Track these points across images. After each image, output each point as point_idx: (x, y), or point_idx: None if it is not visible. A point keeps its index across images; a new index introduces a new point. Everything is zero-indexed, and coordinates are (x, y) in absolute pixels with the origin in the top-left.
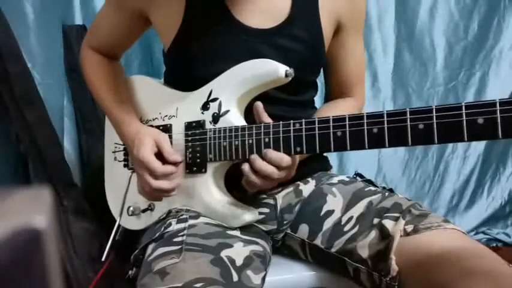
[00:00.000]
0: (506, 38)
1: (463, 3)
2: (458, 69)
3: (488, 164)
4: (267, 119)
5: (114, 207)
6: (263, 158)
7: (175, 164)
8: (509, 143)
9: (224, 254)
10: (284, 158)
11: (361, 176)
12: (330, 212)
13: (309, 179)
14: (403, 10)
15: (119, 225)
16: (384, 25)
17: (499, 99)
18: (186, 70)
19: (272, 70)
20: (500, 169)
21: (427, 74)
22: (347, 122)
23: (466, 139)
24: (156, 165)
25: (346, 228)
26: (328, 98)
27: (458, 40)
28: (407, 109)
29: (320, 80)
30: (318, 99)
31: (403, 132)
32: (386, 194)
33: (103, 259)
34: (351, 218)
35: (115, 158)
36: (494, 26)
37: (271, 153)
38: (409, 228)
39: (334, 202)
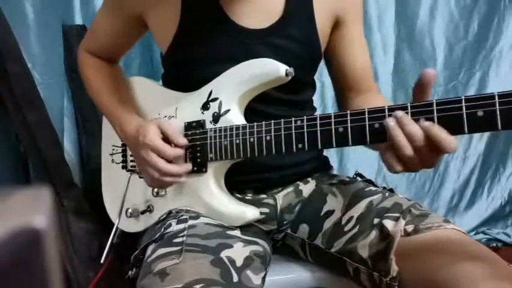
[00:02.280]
0: (506, 38)
1: (463, 3)
2: (458, 69)
3: (488, 164)
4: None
5: (111, 209)
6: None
7: (181, 147)
8: (509, 143)
9: (224, 254)
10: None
11: (361, 176)
12: (330, 212)
13: (309, 179)
14: (403, 10)
15: (117, 228)
16: (384, 25)
17: (498, 92)
18: (184, 72)
19: (272, 69)
20: (500, 169)
21: None
22: (348, 118)
23: (466, 131)
24: (166, 147)
25: (346, 228)
26: (340, 95)
27: (458, 40)
28: (408, 104)
29: (320, 80)
30: (317, 100)
31: None
32: (387, 194)
33: (102, 261)
34: (351, 218)
35: (112, 160)
36: (494, 26)
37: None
38: (410, 228)
39: (334, 202)
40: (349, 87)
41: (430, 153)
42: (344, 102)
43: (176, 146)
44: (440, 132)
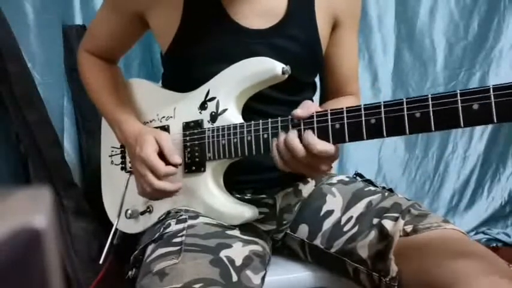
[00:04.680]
0: (506, 38)
1: (463, 3)
2: (458, 69)
3: (488, 164)
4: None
5: (111, 210)
6: (301, 138)
7: (175, 165)
8: (509, 143)
9: (223, 254)
10: (326, 146)
11: (361, 176)
12: (329, 212)
13: (309, 179)
14: (403, 10)
15: (116, 229)
16: (384, 25)
17: (493, 85)
18: (185, 72)
19: (269, 68)
20: (500, 169)
21: (427, 74)
22: (345, 114)
23: (462, 125)
24: (159, 164)
25: (345, 228)
26: (324, 96)
27: (458, 40)
28: (404, 99)
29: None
30: (317, 101)
31: (400, 122)
32: (386, 194)
33: (101, 262)
34: (350, 218)
35: (112, 162)
36: (494, 26)
37: (311, 138)
38: (409, 228)
39: (333, 202)
40: (332, 89)
41: (311, 160)
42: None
43: (170, 163)
44: (314, 141)
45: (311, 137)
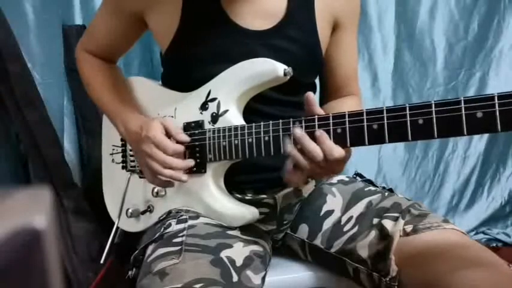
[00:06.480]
0: (506, 38)
1: (463, 3)
2: (458, 69)
3: (488, 164)
4: (320, 111)
5: (112, 209)
6: (314, 139)
7: (182, 143)
8: (509, 143)
9: (224, 254)
10: (335, 149)
11: (361, 176)
12: (329, 212)
13: (309, 179)
14: (403, 10)
15: (117, 228)
16: (383, 25)
17: (497, 93)
18: (184, 72)
19: (271, 69)
20: (500, 169)
21: (427, 74)
22: (347, 119)
23: (465, 133)
24: (167, 141)
25: (345, 228)
26: (324, 97)
27: (458, 40)
28: (407, 105)
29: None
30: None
31: (403, 128)
32: (386, 194)
33: (102, 261)
34: (350, 218)
35: (113, 160)
36: (494, 26)
37: (325, 139)
38: (409, 228)
39: (333, 202)
40: (332, 90)
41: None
42: (323, 104)
43: (177, 143)
44: (328, 142)
45: (328, 141)
